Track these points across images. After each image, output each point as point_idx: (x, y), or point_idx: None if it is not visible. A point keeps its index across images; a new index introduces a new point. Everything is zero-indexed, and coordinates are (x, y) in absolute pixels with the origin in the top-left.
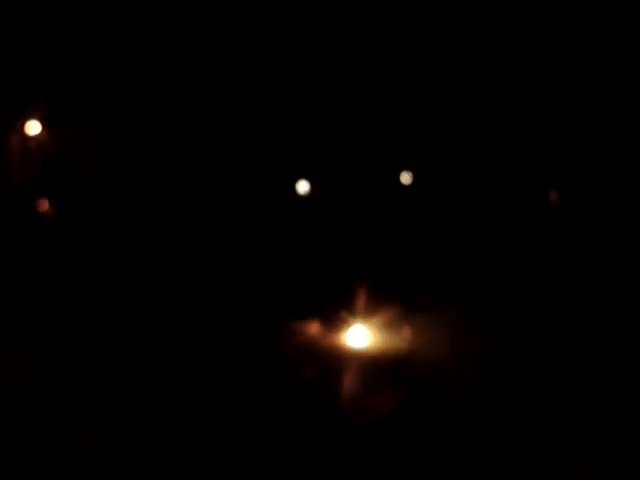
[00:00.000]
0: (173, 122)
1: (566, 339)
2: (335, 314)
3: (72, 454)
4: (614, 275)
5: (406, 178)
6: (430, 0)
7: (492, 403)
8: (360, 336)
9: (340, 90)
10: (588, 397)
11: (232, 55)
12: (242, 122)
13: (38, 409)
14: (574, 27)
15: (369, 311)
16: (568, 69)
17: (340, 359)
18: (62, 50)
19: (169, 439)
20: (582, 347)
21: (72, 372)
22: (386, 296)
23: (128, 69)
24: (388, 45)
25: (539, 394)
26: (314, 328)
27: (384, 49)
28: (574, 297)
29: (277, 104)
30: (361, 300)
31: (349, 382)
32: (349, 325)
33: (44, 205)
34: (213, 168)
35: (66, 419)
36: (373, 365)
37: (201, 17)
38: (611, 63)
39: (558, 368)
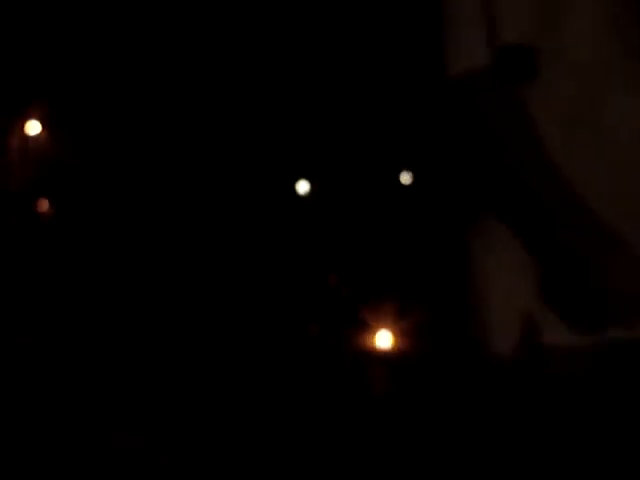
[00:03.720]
0: (173, 122)
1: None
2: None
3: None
4: None
5: (406, 178)
6: (430, 1)
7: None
8: (385, 341)
9: (340, 90)
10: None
11: (231, 54)
12: (242, 122)
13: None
14: None
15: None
16: None
17: (366, 364)
18: (62, 50)
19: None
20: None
21: (71, 371)
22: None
23: (127, 68)
24: (388, 46)
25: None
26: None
27: (384, 50)
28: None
29: (277, 104)
30: (385, 304)
31: (375, 387)
32: (374, 330)
33: (44, 205)
34: (212, 168)
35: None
36: (399, 370)
37: (200, 16)
38: None
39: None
